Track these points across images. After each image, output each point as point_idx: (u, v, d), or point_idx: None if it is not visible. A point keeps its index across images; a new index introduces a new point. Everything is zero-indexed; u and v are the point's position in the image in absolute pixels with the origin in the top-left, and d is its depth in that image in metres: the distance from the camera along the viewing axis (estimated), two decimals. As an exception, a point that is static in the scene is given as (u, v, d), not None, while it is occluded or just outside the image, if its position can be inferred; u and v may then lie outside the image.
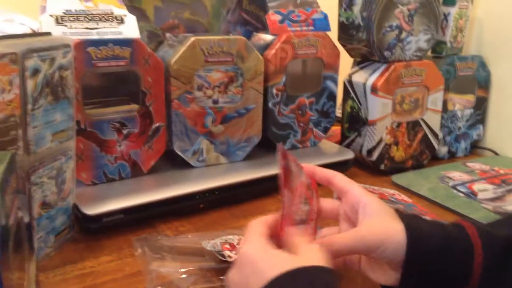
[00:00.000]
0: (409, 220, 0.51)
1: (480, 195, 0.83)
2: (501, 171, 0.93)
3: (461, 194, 0.84)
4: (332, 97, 0.92)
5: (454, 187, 0.86)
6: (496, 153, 1.07)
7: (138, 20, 0.73)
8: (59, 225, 0.62)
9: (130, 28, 0.69)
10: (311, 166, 0.55)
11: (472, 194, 0.83)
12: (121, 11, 0.69)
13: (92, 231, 0.66)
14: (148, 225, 0.69)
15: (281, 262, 0.43)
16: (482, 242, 0.50)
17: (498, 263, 0.49)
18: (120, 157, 0.72)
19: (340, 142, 1.00)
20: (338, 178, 0.55)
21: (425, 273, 0.50)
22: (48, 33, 0.60)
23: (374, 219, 0.50)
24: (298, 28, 0.85)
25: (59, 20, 0.64)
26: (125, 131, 0.71)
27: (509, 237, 0.50)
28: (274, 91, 0.84)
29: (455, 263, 0.49)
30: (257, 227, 0.48)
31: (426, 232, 0.50)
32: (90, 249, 0.63)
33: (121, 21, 0.69)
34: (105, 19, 0.67)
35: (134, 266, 0.59)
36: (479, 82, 1.05)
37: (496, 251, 0.49)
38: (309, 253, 0.45)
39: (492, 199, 0.81)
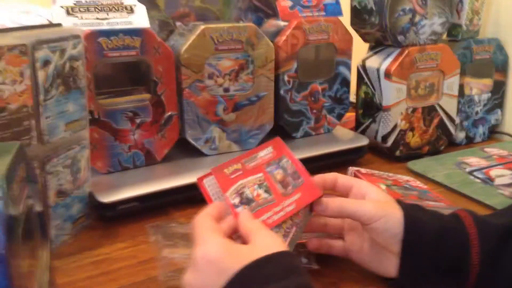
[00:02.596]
0: (408, 208, 0.53)
1: (497, 181, 0.81)
2: (520, 156, 0.91)
3: (478, 180, 0.82)
4: (345, 83, 0.91)
5: (470, 173, 0.85)
6: (515, 138, 1.05)
7: (149, 9, 0.73)
8: (76, 213, 0.64)
9: (140, 18, 0.70)
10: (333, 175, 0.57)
11: (489, 180, 0.82)
12: (131, 1, 0.70)
13: (107, 219, 0.67)
14: (162, 213, 0.70)
15: (243, 256, 0.43)
16: (478, 230, 0.51)
17: (494, 250, 0.50)
18: (134, 146, 0.73)
19: (355, 129, 0.99)
20: (341, 177, 0.57)
21: (422, 260, 0.51)
22: (59, 25, 0.61)
23: (378, 199, 0.53)
24: (309, 14, 0.84)
25: (69, 11, 0.65)
26: (138, 120, 0.72)
27: (505, 225, 0.51)
28: (286, 78, 0.84)
29: (450, 252, 0.50)
30: (205, 223, 0.47)
31: (423, 220, 0.52)
32: (105, 236, 0.65)
33: (131, 11, 0.69)
34: (115, 9, 0.68)
35: (148, 253, 0.60)
36: (496, 66, 1.03)
37: (491, 238, 0.50)
38: (265, 240, 0.46)
39: (509, 185, 0.80)
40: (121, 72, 0.72)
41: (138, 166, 0.75)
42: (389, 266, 0.53)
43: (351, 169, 0.78)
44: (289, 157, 0.56)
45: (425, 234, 0.51)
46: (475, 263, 0.50)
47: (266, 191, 0.52)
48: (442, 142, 0.97)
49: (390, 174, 0.82)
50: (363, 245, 0.55)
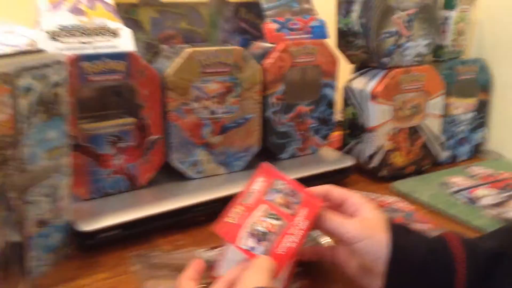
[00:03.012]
0: (395, 231, 0.52)
1: (483, 201, 0.82)
2: (505, 175, 0.92)
3: (463, 200, 0.83)
4: (330, 104, 0.91)
5: (455, 193, 0.85)
6: (499, 156, 1.06)
7: (135, 31, 0.72)
8: (55, 242, 0.62)
9: (125, 41, 0.69)
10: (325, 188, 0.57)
11: (474, 200, 0.82)
12: (116, 24, 0.69)
13: (88, 248, 0.66)
14: (146, 240, 0.69)
15: None
16: (466, 254, 0.50)
17: (482, 274, 0.49)
18: (117, 171, 0.72)
19: (341, 148, 0.99)
20: (335, 189, 0.56)
21: (407, 285, 0.51)
22: (41, 50, 0.60)
23: (368, 218, 0.53)
24: (296, 36, 0.84)
25: (53, 36, 0.64)
26: (121, 145, 0.71)
27: (494, 248, 0.50)
28: (273, 100, 0.84)
29: (436, 277, 0.50)
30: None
31: (409, 245, 0.51)
32: (86, 266, 0.63)
33: (116, 34, 0.68)
34: (100, 33, 0.67)
35: (130, 284, 0.59)
36: (481, 85, 1.04)
37: (480, 262, 0.50)
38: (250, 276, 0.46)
39: (495, 205, 0.80)
40: (104, 96, 0.70)
41: (121, 192, 0.73)
42: (373, 285, 0.52)
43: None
44: (281, 179, 0.56)
45: (411, 259, 0.51)
46: (460, 285, 0.49)
47: (276, 219, 0.52)
48: (427, 162, 0.98)
49: (377, 195, 0.82)
50: (350, 258, 0.55)
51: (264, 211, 0.52)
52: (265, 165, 0.57)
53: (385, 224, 0.53)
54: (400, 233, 0.52)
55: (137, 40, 0.75)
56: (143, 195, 0.74)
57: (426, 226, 0.72)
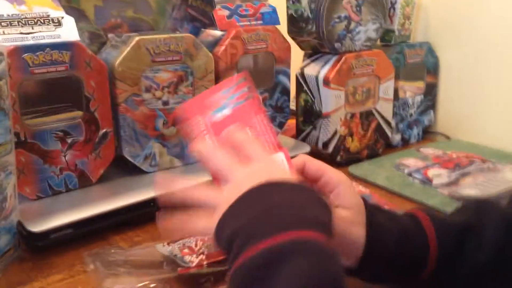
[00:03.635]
0: (370, 212, 0.51)
1: (435, 181, 0.84)
2: (454, 155, 0.95)
3: (417, 181, 0.85)
4: (285, 91, 0.90)
5: (409, 174, 0.87)
6: (448, 137, 1.09)
7: (78, 21, 0.69)
8: (3, 245, 0.58)
9: (69, 31, 0.65)
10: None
11: (427, 180, 0.84)
12: (58, 13, 0.65)
13: (39, 249, 0.62)
14: (100, 238, 0.66)
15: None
16: (436, 230, 0.50)
17: (452, 249, 0.50)
18: (66, 167, 0.68)
19: (296, 136, 0.99)
20: (311, 161, 0.53)
21: (382, 264, 0.50)
22: (-23, 41, 0.56)
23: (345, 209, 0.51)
24: (247, 23, 0.83)
25: (-12, 26, 0.59)
26: (69, 140, 0.68)
27: (463, 223, 0.51)
28: (226, 88, 0.82)
29: (411, 255, 0.50)
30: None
31: (384, 226, 0.50)
32: (38, 268, 0.59)
33: (58, 23, 0.64)
34: (41, 23, 0.63)
35: (87, 284, 0.56)
36: (428, 68, 1.06)
37: (449, 237, 0.50)
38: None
39: (447, 184, 0.82)
40: (49, 89, 0.67)
41: (71, 190, 0.70)
42: (351, 261, 0.51)
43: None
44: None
45: (386, 241, 0.50)
46: (432, 261, 0.50)
47: None
48: (380, 145, 0.99)
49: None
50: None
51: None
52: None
53: (362, 211, 0.50)
54: (374, 214, 0.51)
55: (81, 30, 0.71)
56: (95, 191, 0.71)
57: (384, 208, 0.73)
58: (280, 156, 0.49)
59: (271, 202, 0.40)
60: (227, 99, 0.51)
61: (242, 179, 0.43)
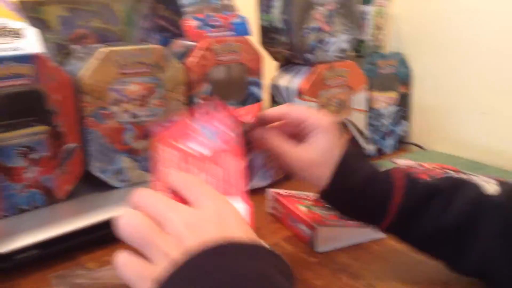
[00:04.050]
0: (344, 160, 0.53)
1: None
2: (428, 166, 0.95)
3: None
4: (258, 102, 0.89)
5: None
6: (422, 148, 1.09)
7: (42, 31, 0.66)
8: (-39, 269, 0.55)
9: (31, 42, 0.62)
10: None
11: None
12: (18, 24, 0.62)
13: (3, 270, 0.59)
14: (68, 258, 0.63)
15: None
16: (406, 185, 0.53)
17: (417, 203, 0.52)
18: (31, 184, 0.65)
19: (269, 148, 0.97)
20: (294, 110, 0.57)
21: (344, 201, 0.54)
22: None
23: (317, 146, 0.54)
24: (218, 34, 0.81)
25: None
26: (33, 156, 0.64)
27: (436, 186, 0.53)
28: (199, 100, 0.80)
29: (374, 198, 0.53)
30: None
31: (353, 170, 0.53)
32: (1, 291, 0.56)
33: (19, 35, 0.61)
34: (0, 35, 0.60)
35: (53, 308, 0.53)
36: (400, 79, 1.07)
37: (417, 192, 0.52)
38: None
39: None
40: (10, 103, 0.63)
41: (37, 207, 0.66)
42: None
43: (270, 191, 0.76)
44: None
45: (350, 183, 0.53)
46: (392, 213, 0.52)
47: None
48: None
49: (310, 194, 0.81)
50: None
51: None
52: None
53: (333, 154, 0.53)
54: (347, 160, 0.53)
55: (46, 41, 0.68)
56: (62, 209, 0.68)
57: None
58: (237, 202, 0.41)
59: (229, 277, 0.32)
60: (207, 136, 0.49)
61: (182, 230, 0.35)
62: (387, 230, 0.54)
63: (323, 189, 0.54)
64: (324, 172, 0.53)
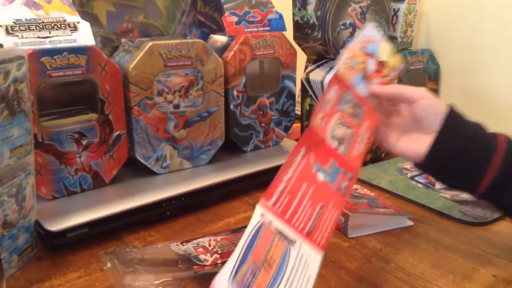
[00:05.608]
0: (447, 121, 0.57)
1: (438, 185, 0.85)
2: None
3: (420, 185, 0.86)
4: (291, 96, 0.92)
5: (412, 178, 0.89)
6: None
7: (91, 25, 0.70)
8: (22, 243, 0.60)
9: (85, 35, 0.67)
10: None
11: (430, 184, 0.86)
12: (74, 18, 0.67)
13: (56, 248, 0.64)
14: (114, 237, 0.68)
15: None
16: (507, 146, 0.55)
17: None
18: (81, 168, 0.70)
19: (300, 140, 1.01)
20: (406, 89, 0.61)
21: (452, 147, 0.56)
22: (0, 45, 0.57)
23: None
24: (255, 29, 0.85)
25: (9, 30, 0.61)
26: (84, 142, 0.69)
27: None
28: (235, 93, 0.84)
29: (478, 150, 0.55)
30: None
31: (464, 119, 0.58)
32: (56, 266, 0.61)
33: (74, 28, 0.66)
34: (58, 27, 0.65)
35: (105, 281, 0.57)
36: (429, 75, 1.09)
37: None
38: None
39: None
40: (65, 92, 0.68)
41: (85, 190, 0.71)
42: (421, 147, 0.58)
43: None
44: (350, 91, 0.61)
45: (463, 126, 0.57)
46: (495, 169, 0.54)
47: (347, 127, 0.58)
48: (383, 150, 1.01)
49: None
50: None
51: (338, 119, 0.59)
52: (338, 74, 0.61)
53: (435, 125, 0.58)
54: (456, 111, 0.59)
55: (94, 34, 0.73)
56: (109, 192, 0.72)
57: (389, 210, 0.75)
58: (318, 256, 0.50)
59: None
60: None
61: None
62: (483, 195, 0.55)
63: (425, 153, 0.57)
64: (439, 106, 0.59)
